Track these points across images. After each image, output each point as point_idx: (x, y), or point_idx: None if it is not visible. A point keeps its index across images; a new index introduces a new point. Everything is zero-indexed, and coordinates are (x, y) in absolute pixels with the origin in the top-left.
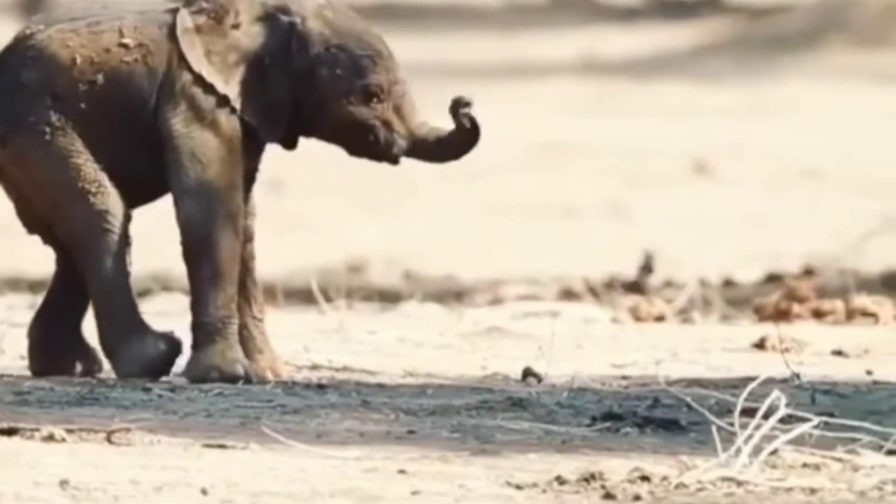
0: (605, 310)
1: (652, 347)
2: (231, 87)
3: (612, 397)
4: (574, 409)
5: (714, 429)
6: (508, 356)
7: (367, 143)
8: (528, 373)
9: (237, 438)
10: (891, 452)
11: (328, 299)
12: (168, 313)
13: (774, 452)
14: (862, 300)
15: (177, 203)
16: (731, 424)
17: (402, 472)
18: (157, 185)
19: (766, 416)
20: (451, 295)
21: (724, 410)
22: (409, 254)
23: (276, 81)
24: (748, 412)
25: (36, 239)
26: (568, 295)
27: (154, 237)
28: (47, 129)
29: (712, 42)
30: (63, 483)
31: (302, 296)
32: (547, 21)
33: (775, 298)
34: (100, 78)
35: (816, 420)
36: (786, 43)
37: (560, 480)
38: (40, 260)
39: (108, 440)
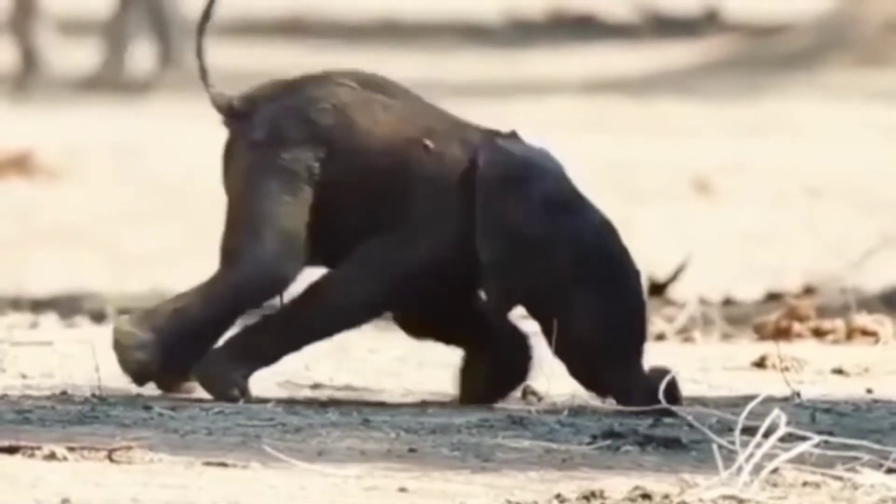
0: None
1: None
2: (486, 255)
3: (612, 416)
4: (574, 427)
5: (715, 447)
6: None
7: (590, 370)
8: (528, 391)
9: (238, 457)
10: (891, 471)
11: None
12: None
13: (775, 471)
14: (862, 319)
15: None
16: (732, 443)
17: (402, 490)
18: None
19: (766, 435)
20: None
21: (725, 429)
22: None
23: (527, 272)
24: (749, 431)
25: (37, 257)
26: None
27: (156, 256)
28: (297, 170)
29: (712, 60)
30: (64, 501)
31: None
32: (547, 39)
33: (776, 317)
34: (384, 161)
35: (817, 439)
36: (786, 61)
37: (560, 499)
38: (42, 279)
39: (110, 458)
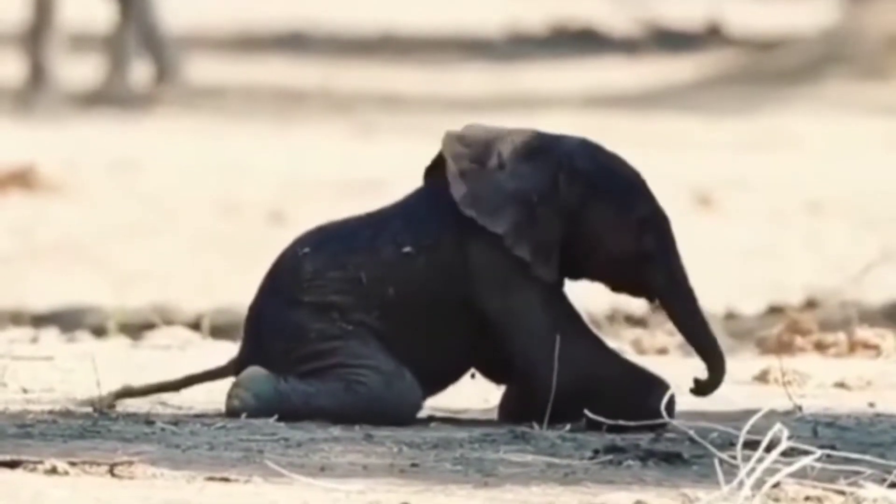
0: (608, 343)
1: None
2: (500, 225)
3: (614, 430)
4: (576, 441)
5: (716, 462)
6: None
7: (632, 279)
8: None
9: (240, 472)
10: (893, 485)
11: None
12: (170, 347)
13: (777, 485)
14: (864, 332)
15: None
16: (734, 457)
17: None
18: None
19: (768, 449)
20: None
21: (727, 443)
22: None
23: (545, 220)
24: (750, 445)
25: (38, 272)
26: None
27: (156, 271)
28: (337, 332)
29: (714, 75)
30: None
31: None
32: (547, 53)
33: (777, 331)
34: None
35: (819, 453)
36: (787, 76)
37: None
38: (43, 293)
39: (111, 473)
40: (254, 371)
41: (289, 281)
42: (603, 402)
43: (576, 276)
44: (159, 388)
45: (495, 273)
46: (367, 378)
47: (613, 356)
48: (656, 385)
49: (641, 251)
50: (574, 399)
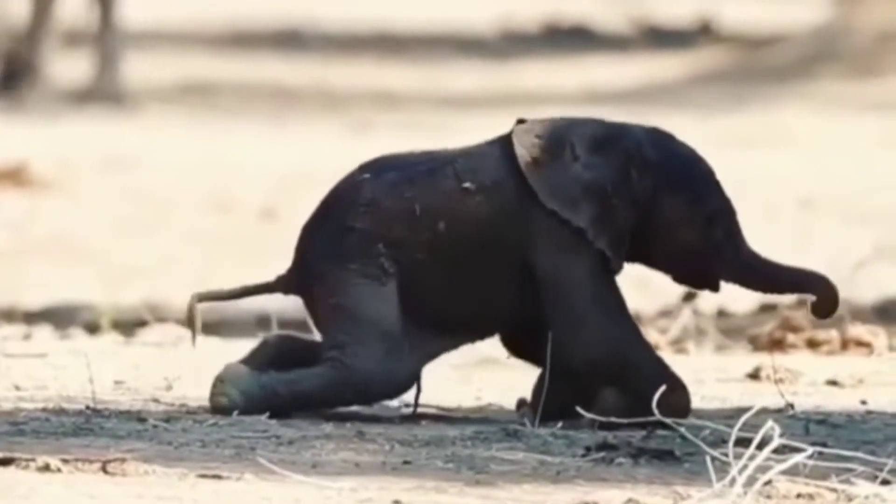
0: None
1: None
2: (582, 219)
3: (606, 427)
4: (568, 439)
5: (708, 459)
6: (503, 387)
7: (699, 270)
8: (522, 403)
9: (232, 469)
10: (885, 482)
11: None
12: (162, 344)
13: (769, 483)
14: (856, 330)
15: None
16: (726, 455)
17: (396, 502)
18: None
19: (760, 447)
20: None
21: (719, 441)
22: None
23: (620, 210)
24: (742, 442)
25: (31, 269)
26: None
27: (149, 268)
28: (376, 273)
29: (706, 72)
30: None
31: (296, 325)
32: (541, 50)
33: (769, 328)
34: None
35: (811, 450)
36: (779, 72)
37: None
38: (36, 290)
39: (104, 470)
40: (235, 367)
41: (345, 205)
42: (624, 388)
43: (636, 261)
44: (229, 295)
45: (554, 235)
46: (360, 351)
47: (647, 346)
48: (677, 385)
49: (711, 244)
50: (598, 377)
